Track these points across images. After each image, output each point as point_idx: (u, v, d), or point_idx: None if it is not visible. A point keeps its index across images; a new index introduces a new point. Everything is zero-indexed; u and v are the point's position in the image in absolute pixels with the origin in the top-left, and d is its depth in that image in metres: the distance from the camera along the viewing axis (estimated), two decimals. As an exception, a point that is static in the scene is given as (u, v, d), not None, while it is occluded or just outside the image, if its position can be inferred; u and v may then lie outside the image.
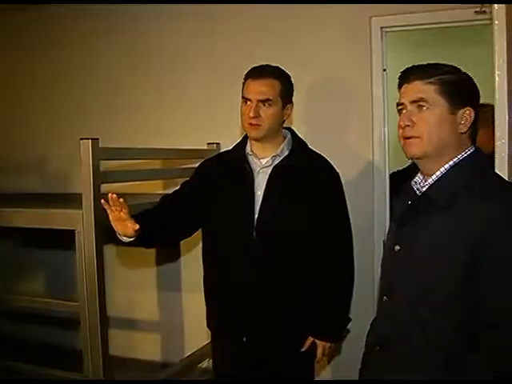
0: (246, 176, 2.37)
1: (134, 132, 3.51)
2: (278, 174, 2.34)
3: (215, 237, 2.45)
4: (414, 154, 1.66)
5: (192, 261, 3.54)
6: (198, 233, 3.21)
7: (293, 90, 2.40)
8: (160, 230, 2.36)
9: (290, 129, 2.49)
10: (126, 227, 2.10)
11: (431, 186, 1.68)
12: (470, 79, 1.68)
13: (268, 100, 2.28)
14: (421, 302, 1.62)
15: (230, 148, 2.52)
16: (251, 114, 2.28)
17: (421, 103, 1.62)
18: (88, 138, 2.32)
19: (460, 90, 1.64)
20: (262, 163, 2.37)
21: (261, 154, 2.38)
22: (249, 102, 2.30)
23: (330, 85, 3.22)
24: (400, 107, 1.70)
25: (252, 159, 2.40)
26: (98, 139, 2.35)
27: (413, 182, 1.76)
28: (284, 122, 2.40)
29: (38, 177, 3.99)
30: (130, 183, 3.04)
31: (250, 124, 2.30)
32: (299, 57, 3.21)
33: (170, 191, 2.67)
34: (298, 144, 2.43)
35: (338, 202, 2.43)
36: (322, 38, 3.21)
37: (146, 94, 3.64)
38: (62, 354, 3.65)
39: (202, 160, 2.64)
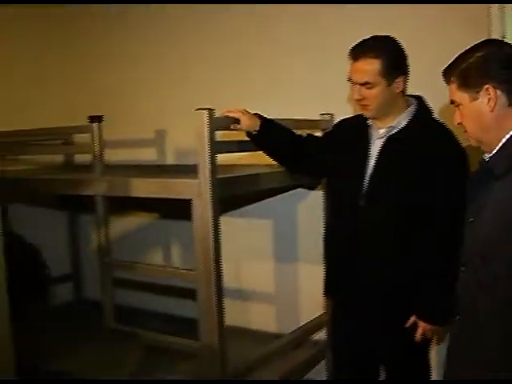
0: (363, 144, 2.37)
1: (245, 102, 3.48)
2: (390, 145, 2.30)
3: (331, 199, 2.54)
4: None
5: (308, 232, 3.54)
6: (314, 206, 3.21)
7: (403, 60, 2.30)
8: (284, 145, 2.55)
9: (418, 97, 2.39)
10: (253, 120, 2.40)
11: (491, 157, 1.78)
12: None
13: (367, 83, 2.23)
14: (484, 269, 1.72)
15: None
16: (356, 97, 2.27)
17: None
18: (204, 109, 2.32)
19: None
20: (379, 133, 2.34)
21: (380, 124, 2.35)
22: (352, 84, 2.27)
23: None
24: None
25: (371, 128, 2.38)
26: (213, 110, 2.34)
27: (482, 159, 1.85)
28: (403, 93, 2.32)
29: (155, 149, 4.07)
30: (243, 154, 3.03)
31: (359, 104, 2.30)
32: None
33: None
34: (420, 115, 2.34)
35: (450, 180, 2.25)
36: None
37: (257, 64, 3.60)
38: (180, 323, 3.75)
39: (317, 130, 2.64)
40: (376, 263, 2.33)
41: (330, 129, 2.63)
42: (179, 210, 3.59)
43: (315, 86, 3.36)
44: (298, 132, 3.15)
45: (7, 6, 3.85)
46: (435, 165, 2.24)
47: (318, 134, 3.15)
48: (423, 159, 2.25)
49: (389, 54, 2.24)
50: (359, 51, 2.25)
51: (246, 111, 2.49)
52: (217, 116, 2.36)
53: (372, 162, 2.33)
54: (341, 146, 2.47)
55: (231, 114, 2.45)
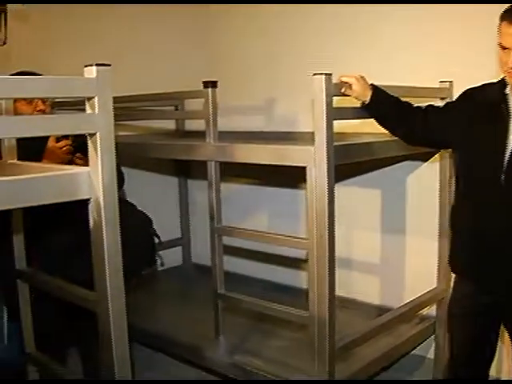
0: (501, 118, 2.17)
1: (359, 70, 3.39)
2: None
3: (463, 173, 2.34)
4: None
5: (418, 205, 3.45)
6: (426, 179, 3.10)
7: None
8: (397, 118, 2.46)
9: None
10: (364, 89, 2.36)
11: None
12: None
13: None
14: None
15: (494, 81, 2.31)
16: (510, 64, 2.07)
17: None
18: (321, 73, 2.26)
19: None
20: None
21: None
22: (506, 50, 2.06)
23: None
24: None
25: (510, 100, 2.18)
26: (331, 74, 2.28)
27: None
28: None
29: (265, 117, 4.05)
30: (359, 121, 2.96)
31: (510, 73, 2.11)
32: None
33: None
34: None
35: None
36: None
37: (370, 32, 3.48)
38: (287, 292, 3.76)
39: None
40: None
41: (454, 99, 2.47)
42: (288, 177, 3.60)
43: (433, 52, 3.22)
44: (415, 100, 3.06)
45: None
46: None
47: (438, 103, 3.04)
48: None
49: None
50: None
51: (362, 78, 2.41)
52: (335, 82, 2.31)
53: None
54: (473, 118, 2.29)
55: (345, 79, 2.38)
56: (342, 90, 2.40)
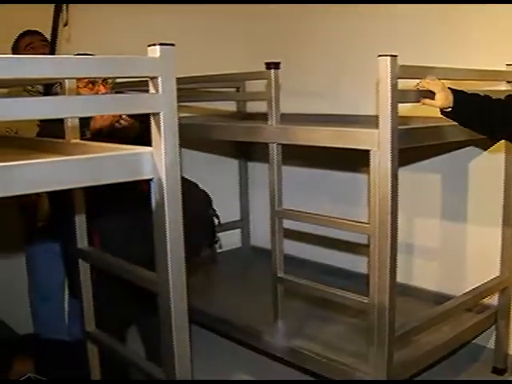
0: None
1: (425, 53, 3.30)
2: None
3: None
4: None
5: (480, 192, 3.37)
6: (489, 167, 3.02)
7: None
8: (482, 118, 2.39)
9: None
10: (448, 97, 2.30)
11: None
12: None
13: None
14: None
15: None
16: None
17: None
18: (386, 55, 2.21)
19: None
20: None
21: None
22: None
23: None
24: None
25: None
26: (396, 56, 2.22)
27: None
28: None
29: (328, 99, 3.99)
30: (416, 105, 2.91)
31: None
32: None
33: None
34: None
35: None
36: None
37: (436, 13, 3.37)
38: (345, 277, 3.73)
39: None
40: None
41: None
42: (349, 160, 3.55)
43: (500, 33, 3.11)
44: (482, 84, 2.97)
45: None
46: None
47: (503, 87, 2.96)
48: None
49: None
50: None
51: (443, 85, 2.35)
52: (401, 64, 2.24)
53: None
54: None
55: (429, 87, 2.33)
56: (424, 102, 2.36)
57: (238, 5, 4.23)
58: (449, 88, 2.37)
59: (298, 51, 4.12)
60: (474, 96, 2.44)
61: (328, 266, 4.03)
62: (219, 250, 4.26)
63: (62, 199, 2.12)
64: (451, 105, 2.35)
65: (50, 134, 2.05)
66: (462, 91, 2.40)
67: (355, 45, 3.78)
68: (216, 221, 2.99)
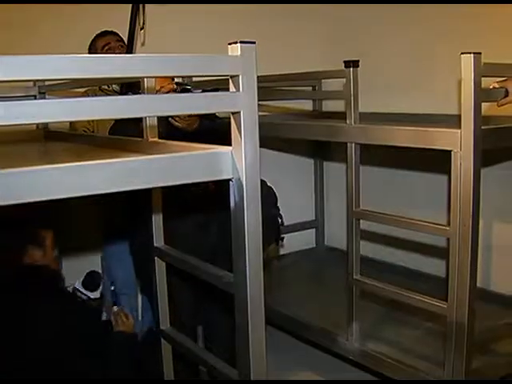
0: None
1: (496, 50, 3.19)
2: None
3: None
4: None
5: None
6: None
7: None
8: None
9: None
10: None
11: None
12: None
13: None
14: None
15: None
16: None
17: None
18: (470, 53, 2.14)
19: None
20: None
21: None
22: None
23: None
24: None
25: None
26: (480, 53, 2.15)
27: None
28: None
29: (408, 98, 3.91)
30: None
31: None
32: None
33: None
34: None
35: None
36: None
37: None
38: (429, 281, 3.65)
39: None
40: None
41: None
42: (428, 161, 3.48)
43: None
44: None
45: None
46: None
47: None
48: None
49: None
50: None
51: None
52: (485, 62, 2.16)
53: None
54: None
55: (503, 85, 2.31)
56: (501, 101, 2.32)
57: (314, 4, 4.21)
58: None
59: (376, 49, 4.05)
60: None
61: (404, 268, 3.95)
62: (294, 250, 4.29)
63: (137, 198, 2.15)
64: None
65: (122, 132, 2.09)
66: None
67: (436, 42, 3.69)
68: (280, 220, 3.01)
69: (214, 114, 2.56)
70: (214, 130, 2.20)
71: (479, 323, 2.44)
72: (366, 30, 4.14)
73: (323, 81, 4.03)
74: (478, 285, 2.46)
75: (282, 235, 3.13)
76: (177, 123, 2.48)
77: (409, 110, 3.63)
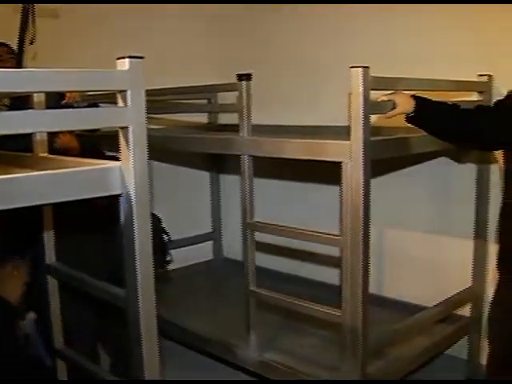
0: None
1: (398, 63, 3.32)
2: None
3: None
4: None
5: (452, 202, 3.38)
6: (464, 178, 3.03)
7: None
8: (447, 124, 2.42)
9: None
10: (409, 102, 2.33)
11: None
12: None
13: None
14: None
15: None
16: None
17: None
18: (358, 66, 2.21)
19: None
20: None
21: None
22: None
23: None
24: None
25: None
26: (368, 67, 2.22)
27: None
28: None
29: (304, 110, 3.98)
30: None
31: None
32: None
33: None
34: None
35: None
36: None
37: (407, 20, 3.40)
38: (319, 288, 3.71)
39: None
40: None
41: (504, 97, 2.40)
42: (323, 172, 3.54)
43: (470, 45, 3.13)
44: (453, 95, 2.99)
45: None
46: None
47: (475, 97, 2.98)
48: None
49: None
50: None
51: (401, 92, 2.39)
52: (373, 75, 2.24)
53: None
54: None
55: (390, 97, 2.37)
56: (389, 114, 2.38)
57: (211, 16, 4.23)
58: (412, 96, 2.39)
59: (271, 62, 4.12)
60: (438, 102, 2.47)
61: (303, 278, 4.02)
62: (192, 262, 4.27)
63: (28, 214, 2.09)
64: (412, 109, 2.37)
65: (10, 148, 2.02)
66: (424, 97, 2.42)
67: (326, 56, 3.78)
68: (166, 238, 3.02)
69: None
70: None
71: (373, 328, 2.50)
72: (262, 43, 4.20)
73: (221, 93, 4.04)
74: (371, 291, 2.52)
75: (169, 257, 3.13)
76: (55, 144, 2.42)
77: (303, 122, 3.71)
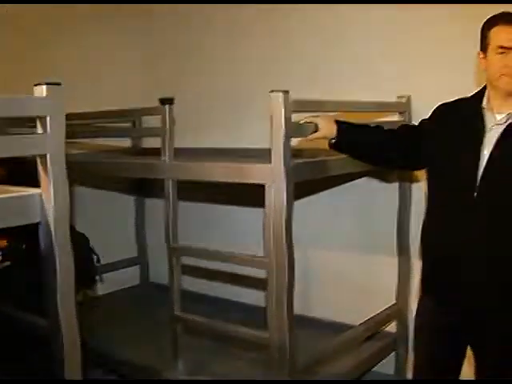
0: (476, 132, 2.18)
1: (316, 84, 3.39)
2: (510, 133, 2.12)
3: (436, 191, 2.34)
4: None
5: (377, 222, 3.45)
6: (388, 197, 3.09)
7: None
8: (369, 148, 2.50)
9: None
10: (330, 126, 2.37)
11: None
12: None
13: None
14: None
15: (468, 96, 2.33)
16: None
17: None
18: (279, 91, 2.24)
19: None
20: (496, 119, 2.16)
21: (497, 109, 2.17)
22: (506, 51, 2.07)
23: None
24: None
25: (486, 114, 2.20)
26: (288, 91, 2.26)
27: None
28: None
29: (226, 133, 4.01)
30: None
31: (505, 75, 2.10)
32: None
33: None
34: None
35: None
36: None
37: (328, 44, 3.49)
38: (248, 311, 3.71)
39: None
40: (487, 262, 2.17)
41: (428, 116, 2.44)
42: (248, 195, 3.56)
43: (390, 68, 3.23)
44: (374, 115, 3.07)
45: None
46: None
47: (395, 117, 3.06)
48: None
49: None
50: None
51: (325, 115, 2.45)
52: (294, 99, 2.28)
53: (487, 150, 2.14)
54: (446, 133, 2.29)
55: (313, 120, 2.40)
56: (310, 137, 2.41)
57: (135, 38, 4.23)
58: (336, 120, 2.44)
59: (198, 86, 4.14)
60: (360, 126, 2.52)
61: (230, 300, 4.02)
62: (118, 288, 4.21)
63: None
64: (334, 135, 2.41)
65: None
66: (347, 122, 2.47)
67: (254, 80, 3.83)
68: (95, 258, 2.98)
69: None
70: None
71: (301, 349, 2.52)
72: (188, 67, 4.22)
73: (146, 117, 4.02)
74: (298, 312, 2.54)
75: (97, 277, 3.08)
76: None
77: (230, 145, 3.73)
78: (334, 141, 2.43)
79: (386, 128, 2.58)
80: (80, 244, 2.72)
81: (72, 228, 2.68)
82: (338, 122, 2.43)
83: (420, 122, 2.52)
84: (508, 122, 2.14)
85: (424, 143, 2.38)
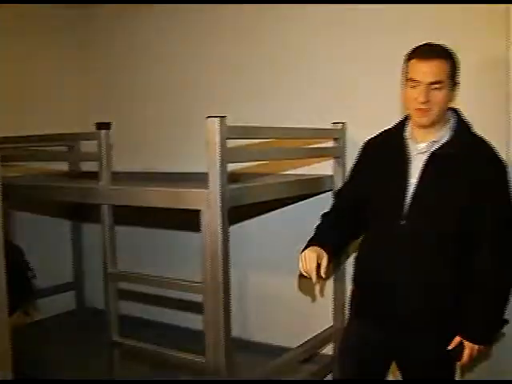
0: (401, 162, 2.25)
1: (254, 109, 3.43)
2: (433, 162, 2.19)
3: (369, 221, 2.41)
4: None
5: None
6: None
7: (459, 70, 2.20)
8: (347, 235, 2.59)
9: (454, 109, 2.29)
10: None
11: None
12: None
13: (439, 82, 2.10)
14: None
15: (391, 126, 2.41)
16: (422, 99, 2.11)
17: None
18: (215, 116, 2.26)
19: None
20: (418, 148, 2.24)
21: (420, 138, 2.25)
22: (417, 85, 2.13)
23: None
24: None
25: (409, 144, 2.27)
26: (225, 117, 2.28)
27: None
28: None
29: (168, 156, 4.01)
30: (256, 163, 2.98)
31: (419, 109, 2.15)
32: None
33: (298, 171, 2.64)
34: (460, 128, 2.23)
35: (499, 199, 2.18)
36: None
37: (267, 72, 3.54)
38: (188, 335, 3.69)
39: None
40: (417, 286, 2.22)
41: (358, 157, 2.54)
42: (187, 220, 3.56)
43: (327, 94, 3.31)
44: (310, 142, 3.12)
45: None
46: (484, 187, 2.14)
47: (330, 143, 3.11)
48: (470, 180, 2.14)
49: (454, 60, 2.16)
50: (430, 50, 2.14)
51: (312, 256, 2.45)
52: (229, 125, 2.30)
53: (414, 179, 2.21)
54: (375, 166, 2.37)
55: (308, 273, 2.45)
56: (315, 281, 2.44)
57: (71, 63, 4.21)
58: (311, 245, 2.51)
59: (139, 110, 4.15)
60: (333, 231, 2.55)
61: (168, 324, 4.00)
62: (53, 313, 4.13)
63: None
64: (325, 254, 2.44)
65: None
66: (323, 236, 2.54)
67: (195, 106, 3.85)
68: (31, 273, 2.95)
69: None
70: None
71: (238, 373, 2.53)
72: (130, 92, 4.21)
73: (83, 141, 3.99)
74: (236, 335, 2.55)
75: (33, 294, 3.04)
76: None
77: (172, 169, 3.73)
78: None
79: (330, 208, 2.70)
80: (14, 255, 2.68)
81: (7, 241, 2.66)
82: (319, 245, 2.47)
83: (351, 175, 2.59)
84: (431, 151, 2.21)
85: (361, 191, 2.44)
